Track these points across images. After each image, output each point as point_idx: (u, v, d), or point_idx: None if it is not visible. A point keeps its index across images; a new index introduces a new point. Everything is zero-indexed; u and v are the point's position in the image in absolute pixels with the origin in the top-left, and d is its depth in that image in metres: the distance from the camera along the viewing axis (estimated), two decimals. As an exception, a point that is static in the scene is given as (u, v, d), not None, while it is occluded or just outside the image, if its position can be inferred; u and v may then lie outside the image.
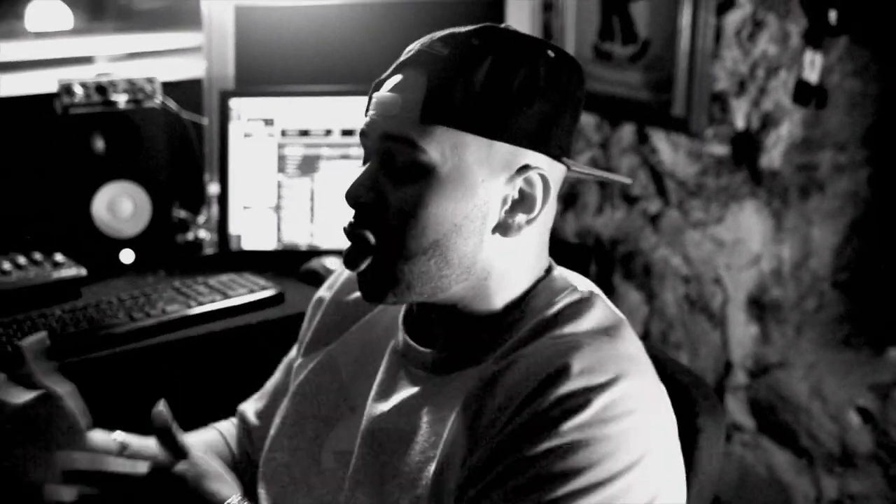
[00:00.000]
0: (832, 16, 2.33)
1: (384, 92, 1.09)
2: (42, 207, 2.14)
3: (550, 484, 0.97)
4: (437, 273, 1.08)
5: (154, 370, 1.76)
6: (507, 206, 1.09)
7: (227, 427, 1.46)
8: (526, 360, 1.06)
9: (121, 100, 2.10)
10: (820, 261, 2.58)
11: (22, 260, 1.95)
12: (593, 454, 0.98)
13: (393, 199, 1.07)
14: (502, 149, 1.06)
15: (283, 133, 2.11)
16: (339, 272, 1.39)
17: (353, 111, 2.10)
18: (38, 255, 1.97)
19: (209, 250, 2.21)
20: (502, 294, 1.13)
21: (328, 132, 2.11)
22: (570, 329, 1.09)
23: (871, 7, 2.36)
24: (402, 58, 1.10)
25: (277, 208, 2.13)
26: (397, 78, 1.08)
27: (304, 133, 2.11)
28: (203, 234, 2.28)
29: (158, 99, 2.13)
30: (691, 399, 1.25)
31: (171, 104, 2.19)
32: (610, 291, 2.92)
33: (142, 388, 1.53)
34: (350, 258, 1.10)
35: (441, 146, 1.04)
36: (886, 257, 2.68)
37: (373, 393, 1.18)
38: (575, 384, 1.00)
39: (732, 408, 2.67)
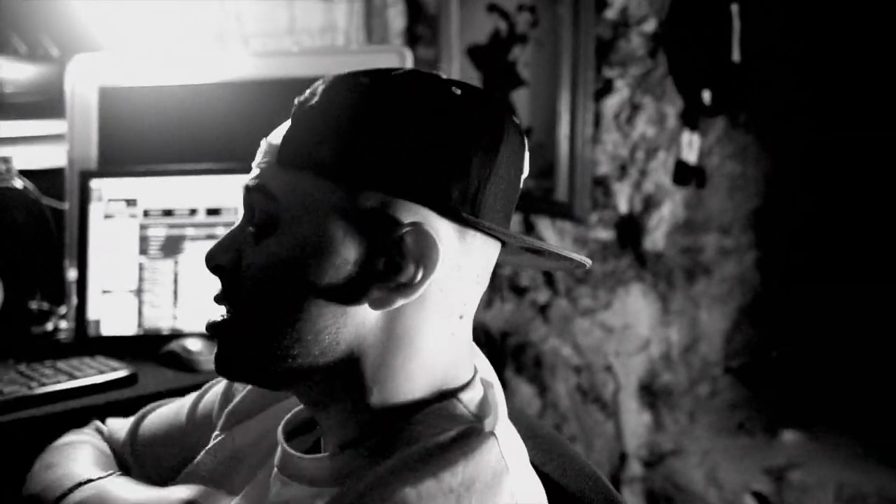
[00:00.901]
0: (706, 96, 2.36)
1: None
2: None
3: None
4: (291, 348, 0.89)
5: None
6: (379, 271, 0.88)
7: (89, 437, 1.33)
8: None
9: (-28, 180, 2.00)
10: (710, 345, 2.54)
11: None
12: None
13: (248, 258, 0.92)
14: (371, 199, 0.87)
15: (146, 213, 2.03)
16: None
17: (218, 190, 2.03)
18: None
19: (65, 337, 2.09)
20: (379, 393, 0.91)
21: (193, 211, 2.03)
22: (446, 476, 0.86)
23: (747, 89, 2.39)
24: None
25: (139, 291, 2.03)
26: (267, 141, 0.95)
27: (168, 213, 2.03)
28: (63, 324, 2.15)
29: (15, 181, 2.04)
30: None
31: (29, 185, 2.09)
32: (502, 386, 2.84)
33: None
34: (209, 328, 0.96)
35: (296, 195, 0.88)
36: (777, 343, 2.66)
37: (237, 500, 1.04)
38: None
39: (629, 501, 2.57)
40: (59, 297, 2.21)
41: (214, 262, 0.95)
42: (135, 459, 1.28)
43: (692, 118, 2.39)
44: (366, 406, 0.91)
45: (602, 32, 2.46)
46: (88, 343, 2.01)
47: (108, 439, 1.33)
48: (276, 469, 0.99)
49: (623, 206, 2.50)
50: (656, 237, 2.44)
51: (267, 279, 0.90)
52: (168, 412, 1.29)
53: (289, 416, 1.06)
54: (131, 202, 2.03)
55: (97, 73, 2.17)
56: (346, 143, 0.87)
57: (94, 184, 2.03)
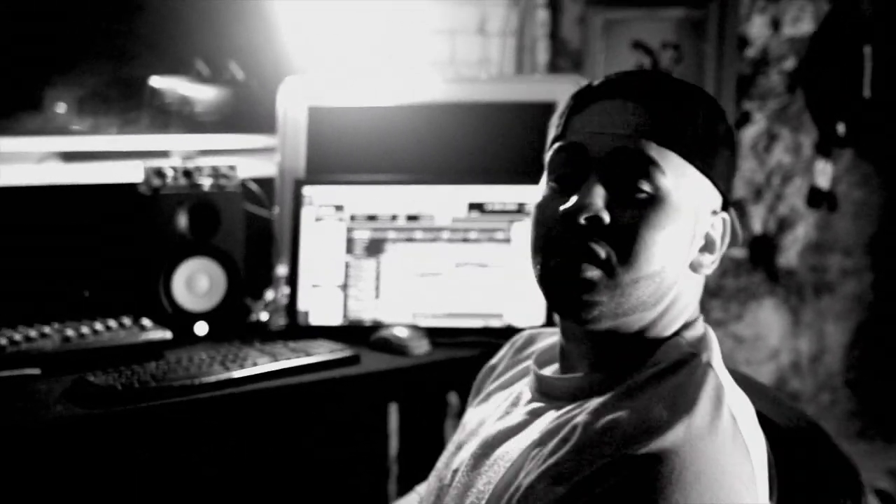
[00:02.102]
0: (840, 128, 2.60)
1: (606, 109, 1.10)
2: (127, 278, 2.29)
3: None
4: (650, 299, 1.10)
5: (246, 417, 1.89)
6: (701, 244, 1.13)
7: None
8: (633, 412, 1.04)
9: (205, 183, 2.29)
10: (832, 357, 2.76)
11: (112, 323, 2.09)
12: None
13: (626, 218, 1.07)
14: (707, 188, 1.11)
15: (352, 218, 2.30)
16: (522, 335, 1.44)
17: (415, 198, 2.29)
18: (126, 320, 2.12)
19: (279, 324, 2.36)
20: (669, 328, 1.14)
21: (394, 217, 2.30)
22: (673, 389, 1.07)
23: (875, 122, 2.63)
24: (609, 86, 1.11)
25: (344, 286, 2.29)
26: (615, 102, 1.10)
27: (372, 218, 2.30)
28: (265, 315, 2.43)
29: (238, 184, 2.33)
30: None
31: (253, 186, 2.38)
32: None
33: (234, 433, 1.62)
34: (572, 267, 1.08)
35: (674, 172, 1.08)
36: (891, 359, 2.87)
37: (495, 416, 1.25)
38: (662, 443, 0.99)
39: (755, 498, 2.79)
40: (262, 291, 2.49)
41: (594, 215, 1.07)
42: None
43: (826, 148, 2.63)
44: (648, 337, 1.14)
45: (743, 69, 2.72)
46: (299, 331, 2.28)
47: None
48: (529, 391, 1.23)
49: (757, 227, 2.75)
50: (790, 255, 2.68)
51: (650, 241, 1.07)
52: None
53: (538, 353, 1.29)
54: (339, 207, 2.31)
55: (306, 94, 2.46)
56: (705, 142, 1.12)
57: (307, 191, 2.31)
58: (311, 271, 2.30)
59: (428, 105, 2.46)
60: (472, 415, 1.36)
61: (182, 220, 2.26)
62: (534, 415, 1.18)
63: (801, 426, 1.31)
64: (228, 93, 2.95)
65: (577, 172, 1.10)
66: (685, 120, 1.09)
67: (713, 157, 1.12)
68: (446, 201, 2.25)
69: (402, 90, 2.48)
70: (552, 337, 1.34)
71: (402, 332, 2.18)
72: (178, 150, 2.56)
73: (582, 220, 1.07)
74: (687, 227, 1.10)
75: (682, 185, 1.09)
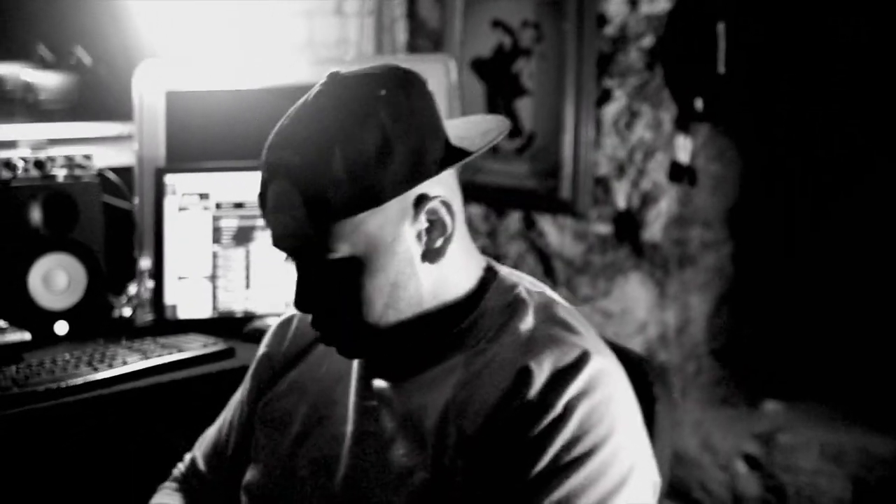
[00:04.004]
0: (698, 104, 2.66)
1: (270, 213, 1.15)
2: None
3: (546, 457, 1.08)
4: (396, 320, 1.18)
5: (118, 419, 1.80)
6: (424, 239, 1.16)
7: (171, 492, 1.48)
8: (499, 357, 1.15)
9: (59, 174, 2.17)
10: (696, 328, 2.83)
11: (-37, 326, 1.97)
12: (580, 427, 1.08)
13: (334, 297, 1.17)
14: (391, 205, 1.12)
15: (219, 206, 2.22)
16: (286, 317, 1.44)
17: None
18: (-21, 322, 1.99)
19: (145, 320, 2.26)
20: (448, 297, 1.20)
21: (262, 204, 2.23)
22: (530, 324, 1.18)
23: (729, 97, 2.70)
24: (268, 166, 1.15)
25: (213, 277, 2.21)
26: (273, 191, 1.14)
27: (239, 205, 2.23)
28: (128, 311, 2.32)
29: (94, 174, 2.21)
30: (644, 371, 1.37)
31: (111, 176, 2.27)
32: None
33: (103, 435, 1.56)
34: (326, 342, 1.23)
35: (346, 237, 1.12)
36: (751, 327, 2.97)
37: (353, 400, 1.25)
38: (546, 373, 1.11)
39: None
40: (125, 283, 2.38)
41: (307, 311, 1.20)
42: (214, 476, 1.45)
43: (685, 123, 2.69)
44: (440, 313, 1.22)
45: (602, 47, 2.75)
46: (167, 326, 2.19)
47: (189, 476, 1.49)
48: (366, 369, 1.25)
49: (621, 203, 2.79)
50: (654, 229, 2.73)
51: (361, 300, 1.17)
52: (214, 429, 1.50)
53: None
54: (204, 196, 2.22)
55: (163, 79, 2.36)
56: (357, 183, 1.11)
57: (169, 179, 2.22)
58: (177, 263, 2.21)
59: (290, 87, 2.38)
60: (275, 402, 1.34)
61: (36, 214, 2.14)
62: (397, 388, 1.22)
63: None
64: (75, 79, 2.81)
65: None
66: (325, 185, 1.10)
67: (378, 183, 1.11)
68: (316, 186, 2.19)
69: (262, 73, 2.40)
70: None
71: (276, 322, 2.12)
72: (25, 140, 2.42)
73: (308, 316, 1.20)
74: (389, 260, 1.15)
75: (362, 236, 1.13)
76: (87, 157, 2.21)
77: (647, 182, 2.73)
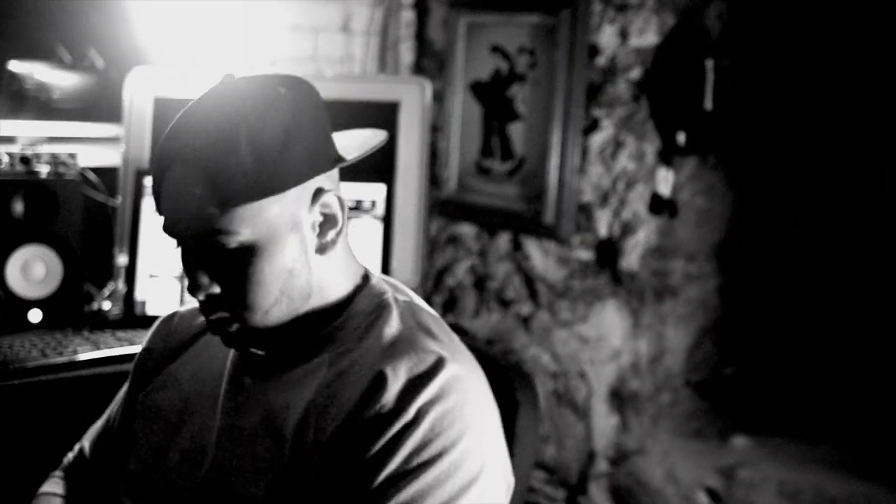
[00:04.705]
0: (681, 138, 2.69)
1: (169, 199, 1.17)
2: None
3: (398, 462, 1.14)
4: (287, 311, 1.23)
5: (65, 402, 1.90)
6: (317, 231, 1.23)
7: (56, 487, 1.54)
8: (361, 360, 1.21)
9: (43, 170, 2.28)
10: (674, 359, 2.85)
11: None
12: (431, 430, 1.14)
13: (231, 281, 1.19)
14: (291, 193, 1.18)
15: (192, 209, 2.31)
16: (169, 313, 1.51)
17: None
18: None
19: (114, 315, 2.36)
20: (329, 298, 1.27)
21: (234, 210, 2.32)
22: (393, 329, 1.24)
23: (716, 134, 2.73)
24: (165, 153, 1.17)
25: (182, 277, 2.31)
26: (171, 177, 1.16)
27: (212, 210, 2.32)
28: (107, 305, 2.43)
29: (77, 172, 2.32)
30: (509, 378, 1.47)
31: (91, 175, 2.37)
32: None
33: (51, 419, 1.64)
34: (215, 329, 1.24)
35: (248, 222, 1.16)
36: (732, 361, 2.98)
37: (223, 394, 1.31)
38: (402, 380, 1.17)
39: (595, 495, 2.87)
40: (104, 280, 2.49)
41: (204, 294, 1.21)
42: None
43: (668, 156, 2.72)
44: (316, 311, 1.28)
45: (593, 77, 2.80)
46: (134, 320, 2.28)
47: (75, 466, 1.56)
48: (239, 363, 1.31)
49: (603, 231, 2.83)
50: (632, 259, 2.76)
51: (257, 284, 1.20)
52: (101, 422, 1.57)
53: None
54: (180, 199, 2.32)
55: (153, 85, 2.47)
56: (261, 170, 1.16)
57: (148, 181, 2.32)
58: (150, 261, 2.31)
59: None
60: (152, 395, 1.40)
61: (17, 206, 2.25)
62: (266, 385, 1.27)
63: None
64: (88, 80, 2.93)
65: (182, 249, 1.22)
66: (232, 169, 1.14)
67: (280, 172, 1.16)
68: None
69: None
70: (192, 308, 1.46)
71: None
72: (24, 137, 2.55)
73: (201, 298, 1.21)
74: (285, 247, 1.20)
75: (262, 221, 1.17)
76: (72, 155, 2.33)
77: (628, 212, 2.77)
